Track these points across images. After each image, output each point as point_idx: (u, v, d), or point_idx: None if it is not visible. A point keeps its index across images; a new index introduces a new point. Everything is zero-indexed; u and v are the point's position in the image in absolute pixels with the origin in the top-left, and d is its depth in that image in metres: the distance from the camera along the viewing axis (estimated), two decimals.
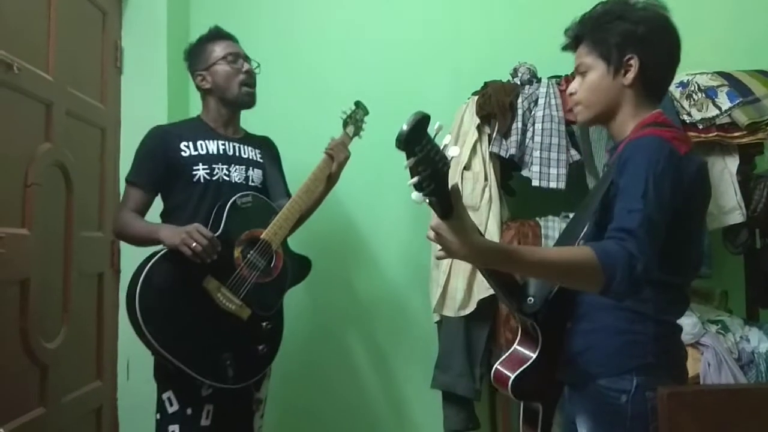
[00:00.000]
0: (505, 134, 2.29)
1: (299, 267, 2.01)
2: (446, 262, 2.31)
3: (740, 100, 2.26)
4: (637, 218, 1.12)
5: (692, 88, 2.32)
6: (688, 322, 2.14)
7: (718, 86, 2.32)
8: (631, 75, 1.29)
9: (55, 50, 2.02)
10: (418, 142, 0.95)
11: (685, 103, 2.30)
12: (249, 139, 2.08)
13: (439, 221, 1.06)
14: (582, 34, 1.35)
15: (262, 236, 1.87)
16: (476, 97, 2.36)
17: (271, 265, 1.89)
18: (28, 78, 1.85)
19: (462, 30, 2.72)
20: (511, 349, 1.38)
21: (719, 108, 2.28)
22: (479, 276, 2.29)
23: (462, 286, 2.26)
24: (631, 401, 1.22)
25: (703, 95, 2.30)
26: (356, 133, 2.20)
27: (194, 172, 1.91)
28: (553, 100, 2.27)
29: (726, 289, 2.43)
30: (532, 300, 1.30)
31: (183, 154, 1.92)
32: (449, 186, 1.03)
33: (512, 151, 2.26)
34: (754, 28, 2.66)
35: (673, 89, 2.32)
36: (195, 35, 2.77)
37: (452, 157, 1.00)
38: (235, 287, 1.80)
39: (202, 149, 1.94)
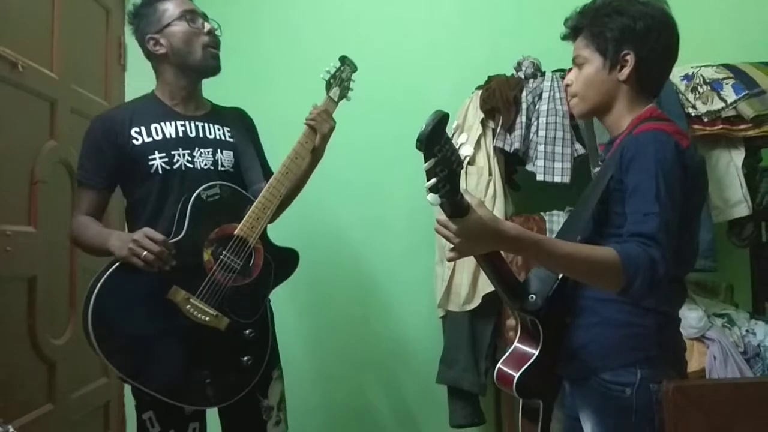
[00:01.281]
0: (510, 128, 2.28)
1: (284, 262, 1.73)
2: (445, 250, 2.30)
3: (746, 93, 2.24)
4: (655, 222, 1.13)
5: (697, 81, 2.30)
6: (693, 316, 2.13)
7: (724, 79, 2.30)
8: (626, 70, 1.29)
9: (59, 48, 2.03)
10: (437, 143, 0.95)
11: (690, 96, 2.28)
12: (216, 115, 1.77)
13: (447, 221, 1.06)
14: (581, 26, 1.35)
15: (235, 232, 1.62)
16: (480, 92, 2.36)
17: (250, 264, 1.64)
18: (32, 76, 1.86)
19: (466, 24, 2.72)
20: (512, 348, 1.38)
21: (724, 101, 2.27)
22: (483, 271, 2.28)
23: (467, 281, 2.26)
24: (635, 394, 1.22)
25: (709, 88, 2.28)
26: (343, 96, 1.86)
27: (150, 162, 1.63)
28: (557, 93, 2.26)
29: (731, 283, 2.42)
30: (534, 297, 1.29)
31: (135, 142, 1.63)
32: (460, 186, 1.03)
33: (516, 145, 2.26)
34: (759, 20, 2.63)
35: (678, 82, 2.31)
36: None
37: (466, 156, 1.00)
38: (207, 295, 1.56)
39: (157, 134, 1.65)
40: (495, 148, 2.31)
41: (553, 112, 2.23)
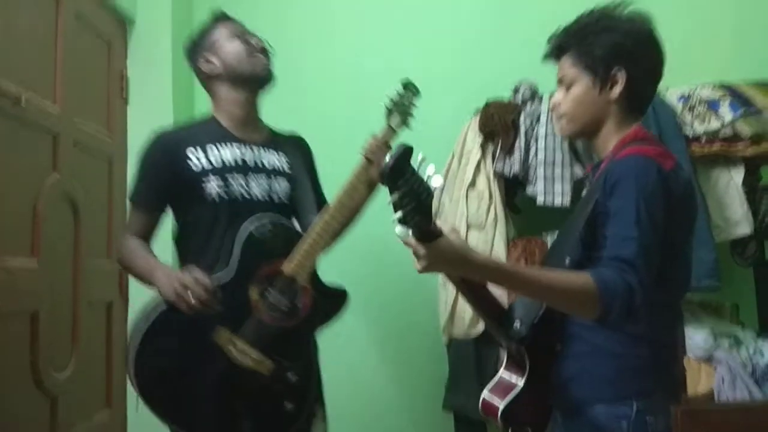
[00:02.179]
0: (509, 152, 2.29)
1: (332, 302, 1.66)
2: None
3: (743, 112, 2.26)
4: (633, 247, 1.11)
5: (694, 101, 2.32)
6: (699, 337, 2.12)
7: (720, 98, 2.32)
8: (617, 89, 1.27)
9: (61, 82, 2.05)
10: (401, 176, 0.96)
11: (688, 116, 2.30)
12: (274, 141, 1.74)
13: (418, 245, 1.06)
14: (566, 45, 1.32)
15: (284, 270, 1.56)
16: (478, 116, 2.37)
17: (297, 304, 1.58)
18: (35, 110, 1.88)
19: (464, 50, 2.75)
20: (498, 376, 1.35)
21: (722, 120, 2.28)
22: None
23: (470, 307, 2.25)
24: (632, 427, 1.18)
25: (705, 107, 2.30)
26: (404, 123, 1.76)
27: (205, 187, 1.60)
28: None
29: (736, 302, 2.41)
30: (519, 324, 1.27)
31: (191, 164, 1.61)
32: (433, 215, 1.04)
33: (516, 168, 2.27)
34: (755, 39, 2.66)
35: (675, 102, 2.32)
36: None
37: (435, 188, 1.00)
38: (252, 337, 1.51)
39: (214, 158, 1.62)
40: (494, 171, 2.32)
41: (552, 135, 2.24)
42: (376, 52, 2.76)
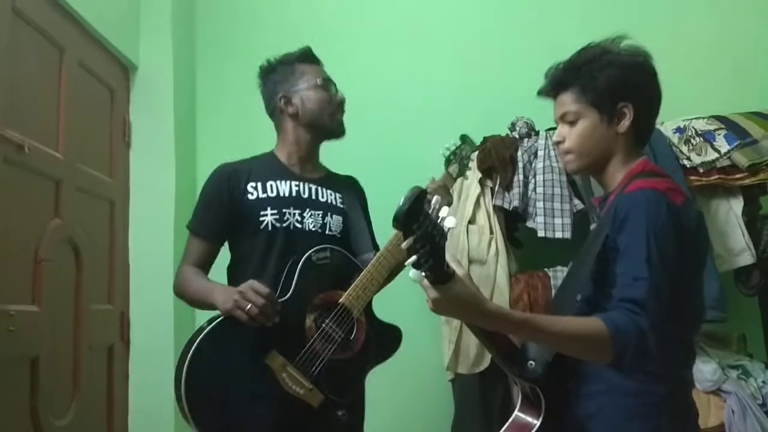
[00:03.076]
0: (507, 187, 2.31)
1: (387, 340, 1.65)
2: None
3: (738, 143, 2.28)
4: (644, 288, 1.10)
5: (689, 133, 2.35)
6: (707, 369, 2.09)
7: (715, 130, 2.35)
8: (626, 123, 1.27)
9: (64, 129, 2.08)
10: (415, 220, 0.94)
11: (684, 148, 2.32)
12: (330, 180, 1.78)
13: (434, 291, 1.03)
14: (568, 81, 1.31)
15: (340, 301, 1.55)
16: (476, 152, 2.40)
17: (351, 337, 1.55)
18: (38, 157, 1.90)
19: (461, 87, 2.79)
20: (513, 417, 1.32)
21: (718, 151, 2.30)
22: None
23: (475, 343, 2.23)
24: None
25: (701, 139, 2.32)
26: (461, 174, 1.83)
27: (261, 218, 1.62)
28: (552, 151, 2.30)
29: (743, 333, 2.39)
30: (533, 364, 1.25)
31: (249, 196, 1.65)
32: (446, 256, 1.02)
33: (515, 203, 2.28)
34: (747, 71, 2.70)
35: (671, 135, 2.35)
36: (201, 108, 2.91)
37: (449, 229, 0.99)
38: (304, 365, 1.47)
39: (271, 191, 1.66)
40: (494, 206, 2.33)
41: (549, 170, 2.26)
42: (373, 89, 2.80)
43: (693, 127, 2.35)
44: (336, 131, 1.74)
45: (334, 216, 1.71)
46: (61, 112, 2.08)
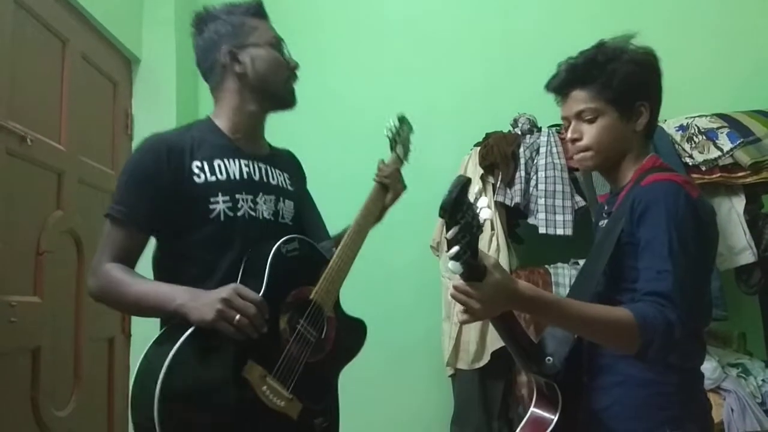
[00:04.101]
0: (509, 183, 2.31)
1: (353, 336, 1.50)
2: (457, 312, 2.29)
3: (741, 141, 2.27)
4: (669, 281, 1.11)
5: (692, 131, 2.34)
6: (707, 367, 2.09)
7: (718, 128, 2.34)
8: (642, 120, 1.28)
9: (67, 121, 2.08)
10: (460, 210, 0.93)
11: (687, 146, 2.32)
12: (275, 158, 1.53)
13: (466, 285, 1.03)
14: (585, 78, 1.30)
15: (311, 297, 1.35)
16: (478, 148, 2.40)
17: (323, 336, 1.37)
18: (40, 149, 1.90)
19: (463, 84, 2.79)
20: (529, 413, 1.31)
21: (721, 149, 2.30)
22: (492, 327, 2.26)
23: (475, 338, 2.24)
24: None
25: (704, 137, 2.32)
26: (406, 156, 1.71)
27: (212, 206, 1.34)
28: (554, 148, 2.30)
29: (744, 331, 2.39)
30: (551, 360, 1.25)
31: (196, 179, 1.34)
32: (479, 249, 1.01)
33: (517, 199, 2.28)
34: (750, 69, 2.70)
35: (674, 133, 2.35)
36: (203, 102, 2.91)
37: (485, 220, 0.98)
38: (283, 374, 1.27)
39: (221, 173, 1.37)
40: (496, 202, 2.33)
41: (552, 166, 2.26)
42: (377, 86, 2.80)
43: (696, 125, 2.35)
44: (287, 100, 1.48)
45: (286, 201, 1.47)
46: (64, 104, 2.08)
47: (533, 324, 1.95)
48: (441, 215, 0.93)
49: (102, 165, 2.34)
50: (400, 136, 1.69)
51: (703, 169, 2.28)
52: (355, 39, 2.88)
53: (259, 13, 1.50)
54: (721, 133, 2.33)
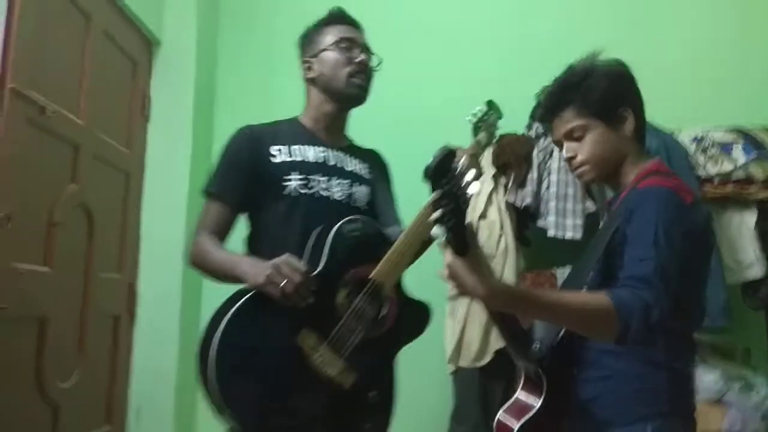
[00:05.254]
0: (521, 184, 2.31)
1: (416, 317, 1.55)
2: (462, 311, 2.29)
3: (756, 155, 2.27)
4: (650, 266, 1.12)
5: (707, 143, 2.34)
6: (710, 379, 2.09)
7: (733, 141, 2.34)
8: (629, 125, 1.32)
9: (86, 96, 2.10)
10: (443, 176, 0.98)
11: (701, 158, 2.32)
12: (355, 150, 1.68)
13: (455, 259, 1.06)
14: (565, 99, 1.35)
15: (371, 276, 1.43)
16: (492, 148, 2.40)
17: (382, 315, 1.45)
18: (59, 121, 1.92)
19: (479, 86, 2.79)
20: (514, 398, 1.35)
21: (735, 162, 2.30)
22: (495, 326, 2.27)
23: (478, 336, 2.23)
24: None
25: (718, 150, 2.32)
26: (489, 142, 1.72)
27: (285, 183, 1.51)
28: None
29: (748, 346, 2.38)
30: (538, 346, 1.28)
31: (273, 159, 1.54)
32: (466, 223, 1.04)
33: (528, 200, 2.28)
34: (761, 80, 2.69)
35: (688, 143, 2.34)
36: (221, 86, 2.93)
37: (472, 195, 1.01)
38: (337, 345, 1.37)
39: (297, 155, 1.56)
40: (506, 203, 2.34)
41: (564, 170, 2.26)
42: (392, 88, 2.80)
43: (711, 137, 2.35)
44: (351, 96, 1.60)
45: (360, 186, 1.61)
46: (84, 79, 2.10)
47: None
48: (424, 177, 0.99)
49: (117, 143, 2.36)
50: (485, 122, 1.71)
51: (716, 181, 2.28)
52: (372, 40, 2.90)
53: (334, 19, 1.66)
54: (736, 146, 2.33)
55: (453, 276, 1.08)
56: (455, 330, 2.28)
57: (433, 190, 0.98)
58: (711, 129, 2.38)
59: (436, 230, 1.02)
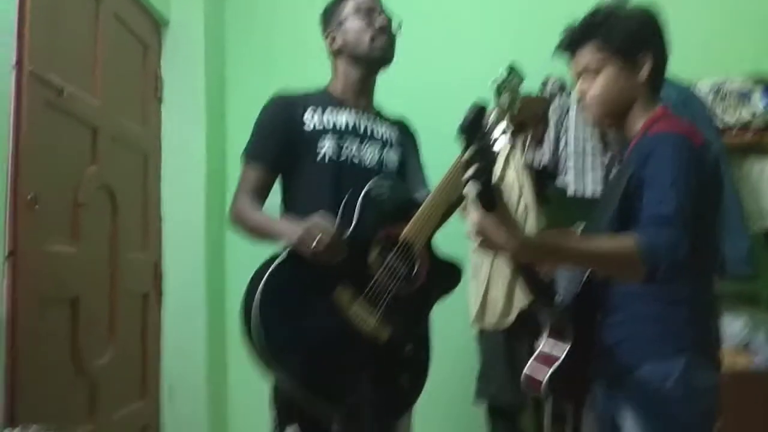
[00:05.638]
0: (538, 143, 2.31)
1: (447, 275, 1.62)
2: (485, 272, 2.30)
3: None
4: (671, 206, 1.14)
5: (725, 92, 2.32)
6: (735, 325, 2.10)
7: (751, 89, 2.32)
8: (645, 71, 1.32)
9: (101, 79, 2.11)
10: (476, 133, 1.00)
11: (719, 107, 2.30)
12: (384, 117, 1.75)
13: (484, 215, 1.07)
14: (588, 35, 1.36)
15: (402, 235, 1.50)
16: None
17: (414, 272, 1.52)
18: (76, 103, 1.94)
19: (493, 46, 2.77)
20: (540, 347, 1.37)
21: (753, 111, 2.28)
22: (519, 285, 2.28)
23: (501, 296, 2.25)
24: (676, 385, 1.20)
25: (736, 98, 2.30)
26: (512, 105, 1.69)
27: (319, 149, 1.60)
28: None
29: None
30: (561, 296, 1.31)
31: (306, 126, 1.62)
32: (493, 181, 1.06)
33: (546, 160, 2.28)
34: None
35: (706, 93, 2.32)
36: (231, 66, 2.93)
37: (497, 151, 1.03)
38: (371, 301, 1.44)
39: (328, 121, 1.63)
40: (524, 164, 2.33)
41: (582, 126, 2.26)
42: (403, 53, 2.79)
43: (728, 86, 2.33)
44: (376, 59, 1.67)
45: (390, 151, 1.68)
46: (98, 63, 2.11)
47: None
48: (458, 133, 1.01)
49: (134, 125, 2.38)
50: (507, 86, 1.69)
51: (735, 130, 2.26)
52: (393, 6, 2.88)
53: None
54: (754, 94, 2.31)
55: (482, 232, 1.09)
56: (479, 291, 2.30)
57: (466, 146, 1.00)
58: (728, 78, 2.35)
59: (468, 187, 1.03)
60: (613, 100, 1.35)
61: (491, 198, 1.05)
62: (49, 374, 1.74)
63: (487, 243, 1.10)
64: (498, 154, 1.03)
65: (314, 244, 1.39)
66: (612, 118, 1.39)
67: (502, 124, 1.04)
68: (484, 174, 1.01)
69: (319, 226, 1.42)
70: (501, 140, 1.03)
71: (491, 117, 1.04)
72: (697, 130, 1.29)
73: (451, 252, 2.51)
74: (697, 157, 1.21)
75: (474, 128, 1.00)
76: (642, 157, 1.24)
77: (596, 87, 1.35)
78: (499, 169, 2.32)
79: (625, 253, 1.11)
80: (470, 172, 1.01)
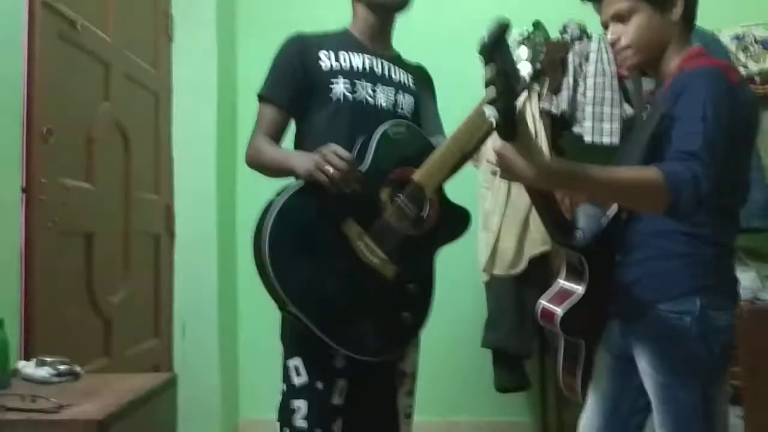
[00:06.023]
0: (556, 90, 2.27)
1: (455, 220, 1.63)
2: (496, 222, 2.30)
3: None
4: (698, 140, 1.12)
5: (748, 41, 2.27)
6: (745, 277, 2.10)
7: None
8: (678, 10, 1.29)
9: (113, 14, 2.07)
10: (498, 52, 0.94)
11: (741, 56, 2.25)
12: (401, 62, 1.74)
13: (504, 143, 1.05)
14: None
15: (414, 177, 1.52)
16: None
17: (423, 215, 1.54)
18: (89, 37, 1.90)
19: None
20: (557, 285, 1.38)
21: None
22: (530, 234, 2.28)
23: (512, 245, 2.26)
24: (695, 322, 1.21)
25: (760, 47, 2.25)
26: (535, 61, 1.68)
27: (332, 87, 1.59)
28: (604, 55, 2.24)
29: None
30: (582, 234, 1.30)
31: (321, 65, 1.61)
32: (516, 107, 1.02)
33: (563, 106, 2.25)
34: None
35: (728, 42, 2.28)
36: (241, 6, 2.87)
37: (523, 75, 0.99)
38: (379, 237, 1.47)
39: (344, 62, 1.62)
40: (541, 111, 2.30)
41: (601, 73, 2.22)
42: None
43: (752, 34, 2.27)
44: (392, 5, 1.64)
45: (405, 95, 1.67)
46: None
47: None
48: (479, 52, 0.95)
49: (146, 64, 2.34)
50: (530, 41, 1.66)
51: (758, 80, 2.22)
52: None
53: None
54: None
55: (503, 161, 1.07)
56: (489, 241, 2.30)
57: (486, 64, 0.95)
58: (752, 26, 2.30)
59: (488, 109, 1.00)
60: (648, 44, 1.31)
61: (511, 125, 1.02)
62: (64, 308, 1.76)
63: (507, 172, 1.09)
64: (523, 77, 0.98)
65: (330, 169, 1.40)
66: (648, 64, 1.36)
67: (526, 48, 0.98)
68: (504, 99, 0.97)
69: (335, 152, 1.42)
70: (525, 64, 0.98)
71: (513, 37, 0.98)
72: (734, 68, 1.28)
73: (462, 202, 2.54)
74: (731, 93, 1.18)
75: (497, 46, 0.94)
76: (675, 94, 1.21)
77: (630, 33, 1.32)
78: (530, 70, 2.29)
79: (648, 181, 1.10)
80: (491, 94, 0.96)
